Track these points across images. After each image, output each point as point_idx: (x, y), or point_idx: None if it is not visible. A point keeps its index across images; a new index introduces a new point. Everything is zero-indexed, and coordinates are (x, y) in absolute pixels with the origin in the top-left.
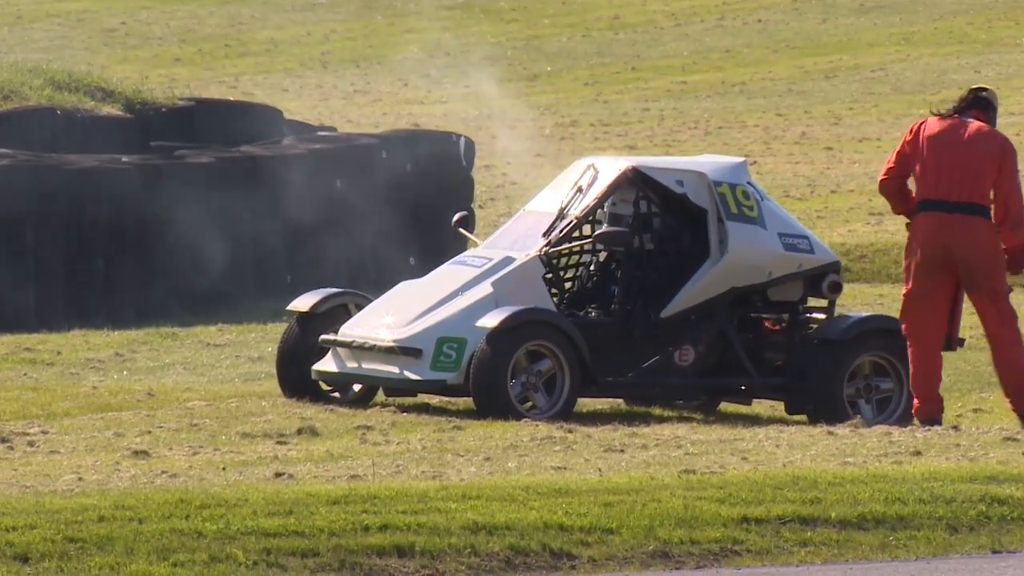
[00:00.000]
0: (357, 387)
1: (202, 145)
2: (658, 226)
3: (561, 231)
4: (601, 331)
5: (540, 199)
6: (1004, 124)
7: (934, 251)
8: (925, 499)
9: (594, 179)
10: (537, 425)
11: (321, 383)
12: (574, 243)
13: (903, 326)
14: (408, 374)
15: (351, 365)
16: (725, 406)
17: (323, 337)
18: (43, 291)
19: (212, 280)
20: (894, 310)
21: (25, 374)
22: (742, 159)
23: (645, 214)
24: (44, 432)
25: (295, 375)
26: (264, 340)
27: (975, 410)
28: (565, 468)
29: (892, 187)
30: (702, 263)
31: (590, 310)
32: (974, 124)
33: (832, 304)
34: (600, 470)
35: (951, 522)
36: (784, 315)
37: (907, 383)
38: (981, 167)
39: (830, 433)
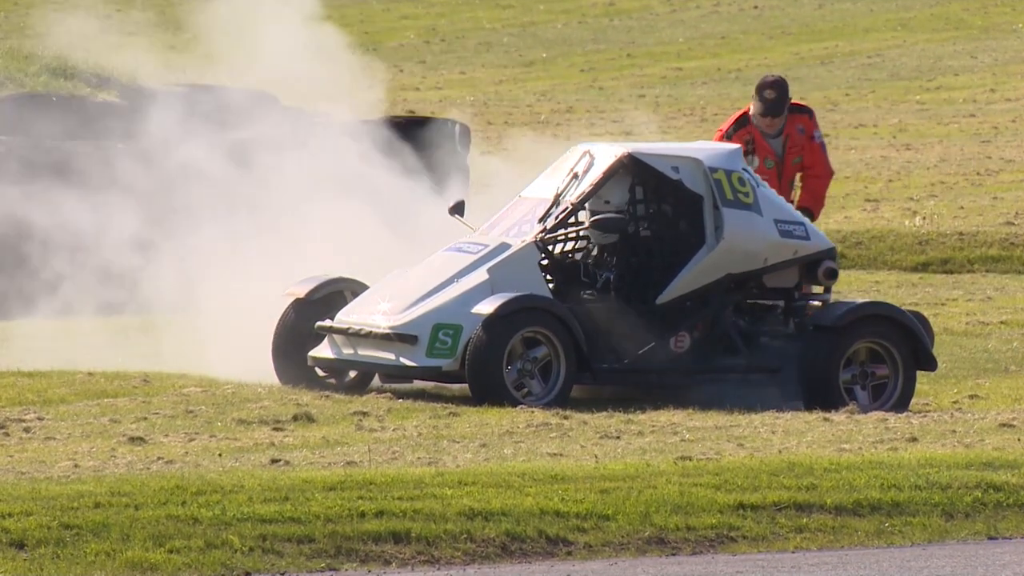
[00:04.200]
0: (353, 373)
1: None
2: (654, 212)
3: (557, 217)
4: (597, 317)
5: (536, 185)
6: (1000, 111)
7: None
8: (921, 485)
9: (590, 165)
10: (533, 412)
11: (317, 369)
12: (570, 229)
13: None
14: (404, 360)
15: (347, 352)
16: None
17: (319, 324)
18: (39, 276)
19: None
20: (890, 296)
21: (21, 360)
22: (737, 145)
23: (640, 200)
24: (40, 419)
25: (291, 362)
26: (261, 326)
27: (971, 396)
28: (561, 455)
29: None
30: (698, 249)
31: (586, 296)
32: None
33: (828, 290)
34: (596, 457)
35: (947, 508)
36: (780, 301)
37: (903, 369)
38: None
39: (826, 419)
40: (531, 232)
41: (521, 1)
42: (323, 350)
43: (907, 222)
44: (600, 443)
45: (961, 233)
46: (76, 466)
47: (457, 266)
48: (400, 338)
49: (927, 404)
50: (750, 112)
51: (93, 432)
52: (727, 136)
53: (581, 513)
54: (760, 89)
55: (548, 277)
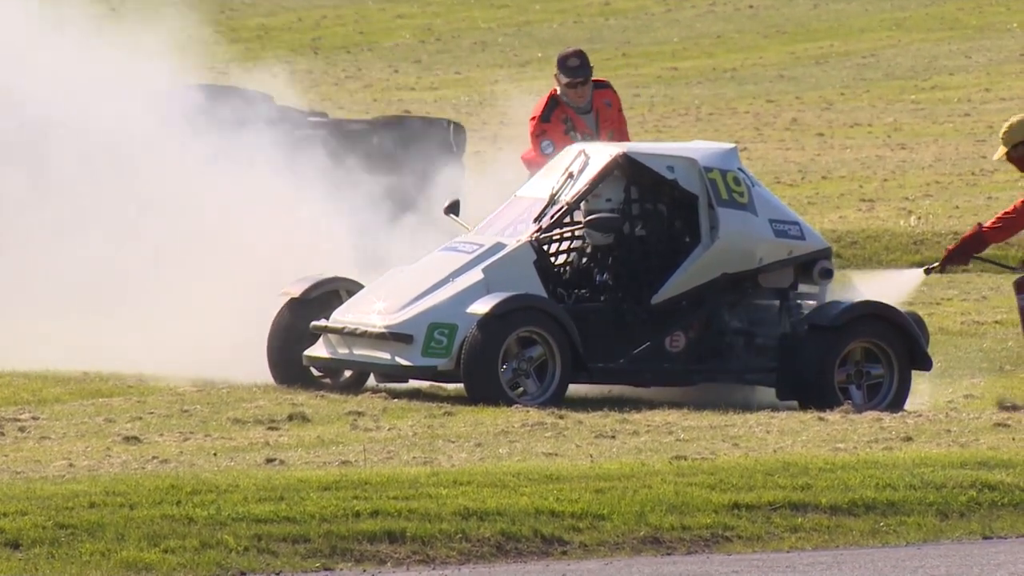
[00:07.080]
0: (348, 373)
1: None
2: (649, 212)
3: (552, 217)
4: (592, 317)
5: (531, 185)
6: (995, 110)
7: None
8: (916, 485)
9: (585, 165)
10: (528, 411)
11: (312, 369)
12: (565, 229)
13: None
14: (399, 360)
15: (342, 351)
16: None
17: (314, 323)
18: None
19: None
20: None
21: (16, 360)
22: (733, 145)
23: (636, 200)
24: (35, 418)
25: (286, 361)
26: (256, 325)
27: (966, 396)
28: (556, 454)
29: None
30: (693, 249)
31: (581, 296)
32: None
33: (823, 290)
34: (591, 456)
35: (942, 508)
36: (775, 301)
37: (898, 369)
38: None
39: (821, 419)
40: (526, 232)
41: (516, 1)
42: (318, 349)
43: (902, 222)
44: (595, 443)
45: (956, 233)
46: (71, 466)
47: (452, 266)
48: (395, 337)
49: (922, 403)
50: (557, 92)
51: (88, 432)
52: (543, 120)
53: (576, 513)
54: (563, 60)
55: (543, 276)
